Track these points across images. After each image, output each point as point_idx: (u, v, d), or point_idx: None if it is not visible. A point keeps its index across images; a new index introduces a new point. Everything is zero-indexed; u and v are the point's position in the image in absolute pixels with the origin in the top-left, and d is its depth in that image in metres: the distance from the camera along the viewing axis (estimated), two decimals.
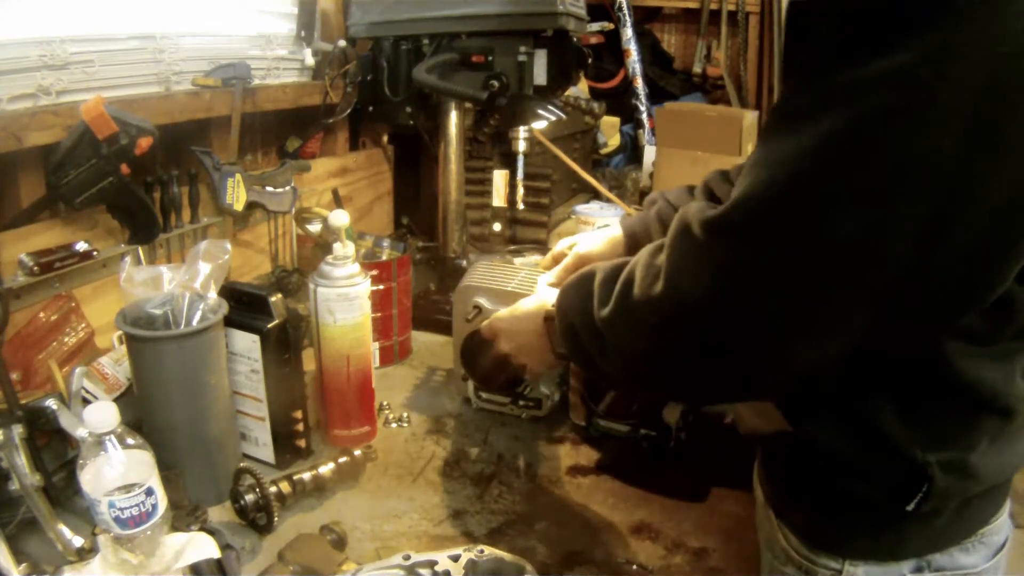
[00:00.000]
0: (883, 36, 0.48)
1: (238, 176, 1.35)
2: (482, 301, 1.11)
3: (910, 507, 0.62)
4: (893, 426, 0.61)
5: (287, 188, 1.45)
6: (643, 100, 2.69)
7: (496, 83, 1.42)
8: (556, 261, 1.16)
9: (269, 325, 0.94)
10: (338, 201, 1.66)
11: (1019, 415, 0.62)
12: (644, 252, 0.65)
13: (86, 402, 0.92)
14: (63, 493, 0.87)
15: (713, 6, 2.75)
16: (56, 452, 0.89)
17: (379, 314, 1.26)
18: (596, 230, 1.19)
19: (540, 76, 1.46)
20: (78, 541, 0.78)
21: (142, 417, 0.88)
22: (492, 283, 1.11)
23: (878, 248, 0.49)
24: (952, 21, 0.46)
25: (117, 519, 0.72)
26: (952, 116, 0.47)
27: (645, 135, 2.64)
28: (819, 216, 0.50)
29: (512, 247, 1.82)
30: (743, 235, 0.53)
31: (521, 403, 1.15)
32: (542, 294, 0.94)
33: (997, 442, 0.63)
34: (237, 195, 1.35)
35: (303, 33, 1.61)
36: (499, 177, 1.82)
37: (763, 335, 0.54)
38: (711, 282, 0.55)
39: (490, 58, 1.44)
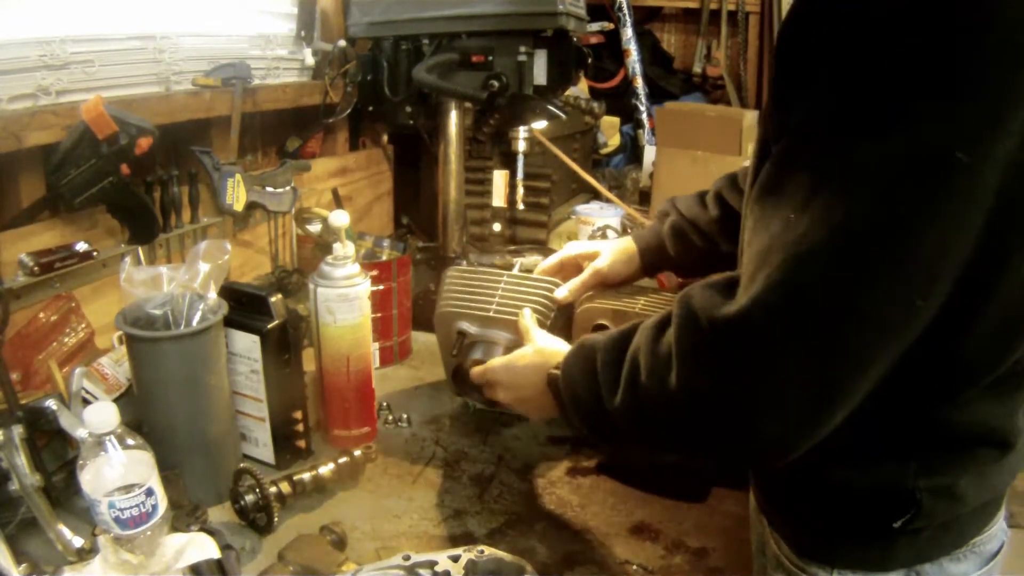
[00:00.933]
0: (908, 104, 0.44)
1: (238, 176, 1.35)
2: (465, 326, 1.08)
3: (897, 525, 0.62)
4: (887, 454, 0.61)
5: (287, 188, 1.45)
6: (643, 100, 2.69)
7: (496, 83, 1.42)
8: (563, 268, 1.13)
9: (269, 325, 0.94)
10: (338, 201, 1.66)
11: (1016, 447, 0.62)
12: (645, 336, 0.63)
13: (86, 402, 0.92)
14: (63, 493, 0.87)
15: (713, 6, 2.76)
16: (56, 452, 0.89)
17: (379, 314, 1.26)
18: (599, 238, 1.16)
19: (540, 76, 1.46)
20: (78, 541, 0.78)
21: (142, 417, 0.88)
22: (472, 304, 1.07)
23: (903, 336, 0.48)
24: (991, 89, 0.43)
25: (117, 519, 0.71)
26: (983, 194, 0.44)
27: (645, 135, 2.64)
28: (843, 315, 0.48)
29: (512, 247, 1.82)
30: (761, 340, 0.51)
31: None
32: (540, 343, 0.88)
33: (989, 470, 0.63)
34: (237, 195, 1.35)
35: (303, 33, 1.61)
36: (499, 177, 1.82)
37: (785, 424, 0.53)
38: (730, 382, 0.53)
39: (490, 58, 1.44)
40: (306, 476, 0.92)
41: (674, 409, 0.58)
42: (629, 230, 1.87)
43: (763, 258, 0.51)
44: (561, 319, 1.08)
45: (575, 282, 1.07)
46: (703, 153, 1.97)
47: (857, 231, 0.46)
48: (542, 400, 0.80)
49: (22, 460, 0.79)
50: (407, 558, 0.69)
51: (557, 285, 1.10)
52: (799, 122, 0.51)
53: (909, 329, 0.48)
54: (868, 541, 0.65)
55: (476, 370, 0.92)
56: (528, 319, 0.96)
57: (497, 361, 0.90)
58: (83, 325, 1.08)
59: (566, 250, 1.14)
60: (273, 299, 0.94)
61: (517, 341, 1.06)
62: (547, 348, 0.86)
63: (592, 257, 1.10)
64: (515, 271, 1.14)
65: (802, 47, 0.51)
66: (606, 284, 1.10)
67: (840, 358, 0.49)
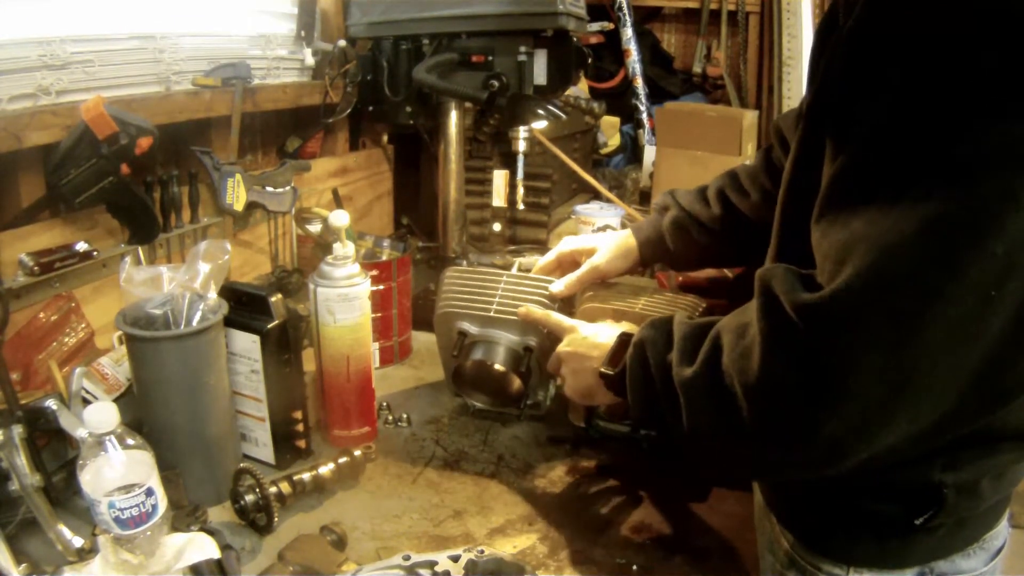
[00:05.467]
0: (996, 104, 0.45)
1: (238, 176, 1.35)
2: (466, 326, 1.09)
3: (918, 522, 0.62)
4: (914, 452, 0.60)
5: (287, 188, 1.45)
6: (643, 100, 2.70)
7: (496, 83, 1.42)
8: (560, 264, 1.13)
9: (269, 325, 0.94)
10: (338, 201, 1.67)
11: None
12: (730, 320, 0.62)
13: (86, 402, 0.92)
14: (63, 493, 0.87)
15: (713, 6, 2.76)
16: (56, 452, 0.89)
17: (379, 314, 1.26)
18: (598, 233, 1.16)
19: (540, 76, 1.46)
20: (78, 541, 0.78)
21: (142, 417, 0.88)
22: (472, 305, 1.08)
23: (983, 328, 0.48)
24: None
25: (117, 519, 0.71)
26: None
27: (645, 135, 2.64)
28: (929, 308, 0.48)
29: (512, 247, 1.82)
30: (847, 327, 0.50)
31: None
32: (585, 329, 0.90)
33: (1011, 468, 0.63)
34: (237, 195, 1.35)
35: (303, 33, 1.61)
36: (499, 177, 1.82)
37: (859, 423, 0.51)
38: (810, 372, 0.52)
39: (490, 58, 1.44)
40: (306, 476, 0.92)
41: (749, 394, 0.56)
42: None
43: (846, 251, 0.51)
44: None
45: (571, 277, 1.07)
46: (703, 153, 1.97)
47: (948, 220, 0.47)
48: (598, 377, 0.80)
49: (22, 460, 0.79)
50: (407, 558, 0.70)
51: None
52: (879, 120, 0.51)
53: (985, 319, 0.47)
54: (887, 538, 0.65)
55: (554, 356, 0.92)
56: (540, 309, 0.99)
57: (565, 347, 0.90)
58: (83, 325, 1.08)
59: (562, 246, 1.14)
60: (273, 299, 0.94)
61: (518, 341, 1.07)
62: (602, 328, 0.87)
63: (589, 253, 1.10)
64: (513, 271, 1.15)
65: (879, 44, 0.51)
66: (603, 279, 1.09)
67: (917, 351, 0.48)
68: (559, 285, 1.06)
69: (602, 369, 0.79)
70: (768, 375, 0.55)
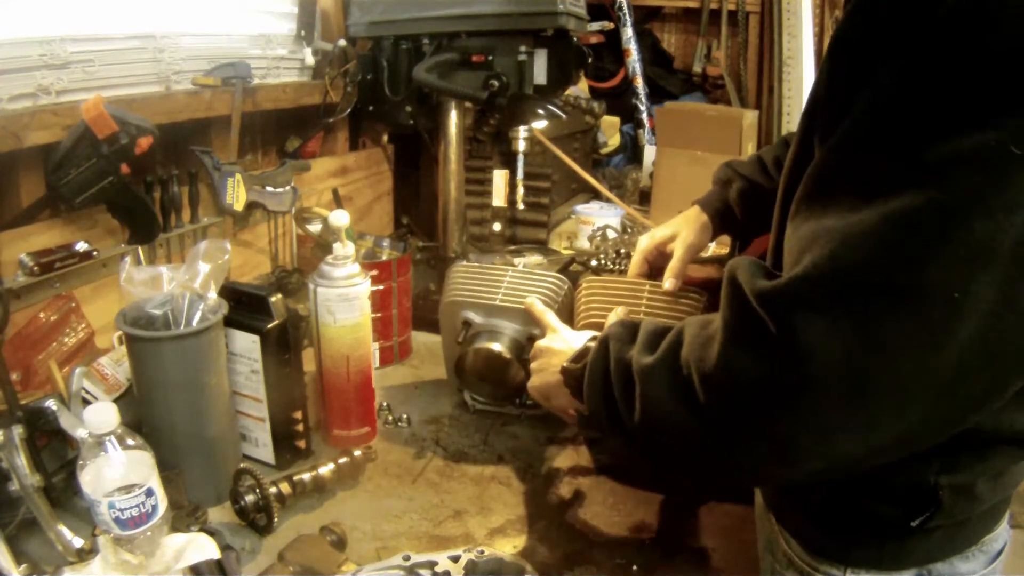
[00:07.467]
0: (973, 109, 0.45)
1: (238, 176, 1.35)
2: (471, 315, 1.09)
3: (915, 523, 0.62)
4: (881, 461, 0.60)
5: (287, 188, 1.45)
6: (643, 100, 2.70)
7: (496, 83, 1.42)
8: (648, 263, 1.11)
9: (269, 325, 0.94)
10: (338, 201, 1.66)
11: None
12: (695, 319, 0.62)
13: (86, 402, 0.92)
14: (63, 493, 0.87)
15: (713, 6, 2.75)
16: (56, 452, 0.89)
17: (379, 314, 1.26)
18: (670, 223, 1.12)
19: (540, 76, 1.46)
20: (78, 542, 0.78)
21: (142, 418, 0.88)
22: (479, 295, 1.09)
23: (947, 333, 0.46)
24: None
25: (117, 520, 0.71)
26: None
27: (645, 135, 2.64)
28: (889, 302, 0.46)
29: (512, 247, 1.82)
30: (804, 315, 0.49)
31: (519, 403, 1.15)
32: (565, 333, 0.90)
33: (1008, 470, 0.63)
34: (237, 195, 1.35)
35: (303, 32, 1.61)
36: (499, 177, 1.82)
37: (815, 422, 0.50)
38: (767, 361, 0.51)
39: (490, 58, 1.44)
40: (306, 476, 0.93)
41: (705, 381, 0.55)
42: (629, 230, 1.87)
43: (809, 243, 0.50)
44: (564, 315, 1.08)
45: (674, 267, 1.05)
46: (703, 153, 1.97)
47: (912, 215, 0.46)
48: (562, 378, 0.79)
49: (22, 460, 0.79)
50: (407, 558, 0.70)
51: (564, 281, 1.10)
52: (858, 119, 0.50)
53: (947, 321, 0.46)
54: (884, 540, 0.65)
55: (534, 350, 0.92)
56: (541, 305, 0.99)
57: (543, 343, 0.90)
58: (83, 325, 1.08)
59: (642, 246, 1.12)
60: (273, 299, 0.94)
61: (522, 331, 1.07)
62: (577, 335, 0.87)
63: (671, 239, 1.09)
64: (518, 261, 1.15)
65: (864, 42, 0.51)
66: (697, 255, 1.09)
67: (877, 348, 0.47)
68: (668, 283, 1.04)
69: (564, 364, 0.79)
70: (725, 363, 0.53)
